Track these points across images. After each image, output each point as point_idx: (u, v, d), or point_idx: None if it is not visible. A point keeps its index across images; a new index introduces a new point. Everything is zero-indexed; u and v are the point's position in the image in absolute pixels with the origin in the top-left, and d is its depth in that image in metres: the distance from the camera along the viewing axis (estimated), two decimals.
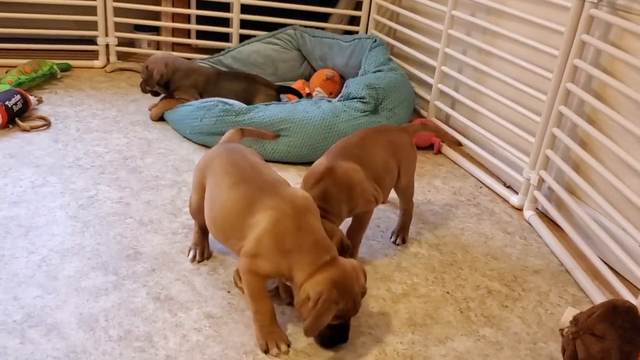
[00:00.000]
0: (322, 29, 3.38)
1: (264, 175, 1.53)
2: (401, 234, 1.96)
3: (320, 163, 1.74)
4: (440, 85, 2.75)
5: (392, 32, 3.30)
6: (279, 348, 1.43)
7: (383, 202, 1.89)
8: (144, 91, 2.74)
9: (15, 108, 2.47)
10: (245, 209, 1.44)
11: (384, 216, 2.10)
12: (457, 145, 2.28)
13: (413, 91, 2.83)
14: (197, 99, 2.64)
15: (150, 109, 2.76)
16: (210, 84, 2.69)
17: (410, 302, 1.67)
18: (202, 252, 1.75)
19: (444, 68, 2.71)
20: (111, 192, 2.06)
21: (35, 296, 1.52)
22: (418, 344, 1.51)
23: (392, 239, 1.95)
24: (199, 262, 1.73)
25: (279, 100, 2.72)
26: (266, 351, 1.42)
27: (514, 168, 2.32)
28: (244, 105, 2.48)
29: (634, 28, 1.70)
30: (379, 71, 2.74)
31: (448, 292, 1.73)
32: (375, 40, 3.00)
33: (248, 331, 1.49)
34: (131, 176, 2.18)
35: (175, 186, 2.14)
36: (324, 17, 3.49)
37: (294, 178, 2.30)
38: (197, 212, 1.68)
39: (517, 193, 2.28)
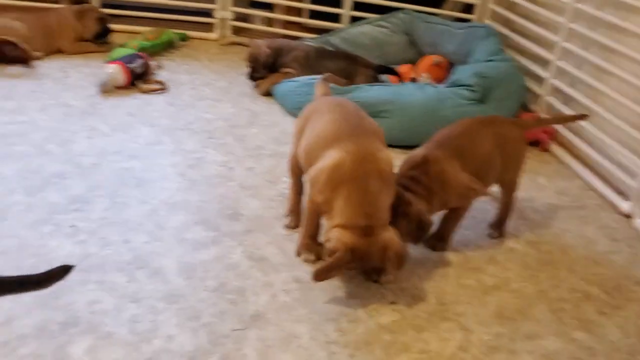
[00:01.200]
0: (435, 14, 3.32)
1: (364, 122, 1.61)
2: (498, 228, 1.91)
3: (418, 152, 1.73)
4: (554, 81, 2.63)
5: (508, 23, 3.18)
6: (309, 254, 1.63)
7: (483, 195, 1.85)
8: (254, 79, 2.83)
9: (138, 71, 2.64)
10: (329, 141, 1.53)
11: (482, 207, 2.05)
12: (582, 119, 2.08)
13: (524, 84, 2.73)
14: (301, 74, 2.71)
15: (257, 85, 2.85)
16: (310, 61, 2.76)
17: (500, 295, 1.63)
18: (298, 219, 1.79)
19: (561, 63, 2.59)
20: (217, 156, 2.16)
21: (144, 241, 1.64)
22: (504, 336, 1.48)
23: (489, 232, 1.91)
24: (293, 229, 1.78)
25: (377, 80, 2.73)
26: (299, 254, 1.64)
27: (628, 173, 2.18)
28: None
29: None
30: (490, 61, 2.66)
31: (542, 291, 1.67)
32: (490, 30, 2.92)
33: (334, 300, 1.52)
34: (236, 143, 2.28)
35: (276, 156, 2.21)
36: (438, 3, 3.43)
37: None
38: (296, 164, 1.73)
39: (627, 200, 2.15)
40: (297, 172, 1.75)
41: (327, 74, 1.95)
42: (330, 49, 3.00)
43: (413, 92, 2.43)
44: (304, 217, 1.66)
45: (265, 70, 2.80)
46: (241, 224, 1.78)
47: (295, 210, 1.81)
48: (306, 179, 1.62)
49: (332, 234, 1.46)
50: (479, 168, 1.74)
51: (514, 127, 1.85)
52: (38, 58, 2.79)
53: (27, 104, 2.36)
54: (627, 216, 2.11)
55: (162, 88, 2.68)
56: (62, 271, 0.99)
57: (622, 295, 1.69)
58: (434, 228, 1.82)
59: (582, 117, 2.07)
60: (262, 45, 2.79)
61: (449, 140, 1.75)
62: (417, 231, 1.60)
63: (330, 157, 1.50)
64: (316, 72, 2.69)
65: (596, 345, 1.49)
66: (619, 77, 2.23)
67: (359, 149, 1.50)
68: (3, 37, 2.65)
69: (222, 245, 1.67)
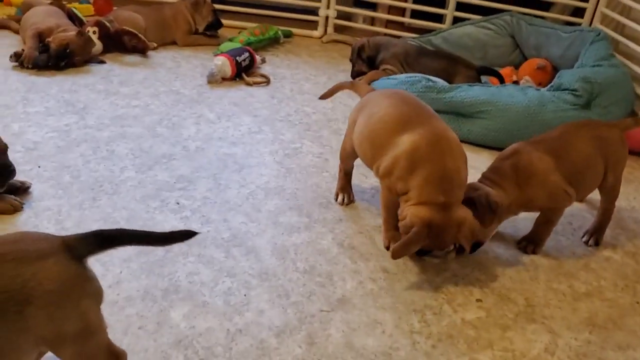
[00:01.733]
0: (542, 17, 3.23)
1: (423, 106, 1.67)
2: (595, 235, 1.84)
3: (510, 147, 1.73)
4: None
5: (619, 28, 3.04)
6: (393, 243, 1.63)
7: (580, 201, 1.80)
8: (356, 75, 2.90)
9: (244, 64, 2.78)
10: (398, 127, 1.59)
11: (578, 214, 1.99)
12: None
13: (634, 91, 2.60)
14: (400, 71, 2.74)
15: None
16: (410, 58, 2.78)
17: (592, 302, 1.58)
18: (349, 195, 1.90)
19: None
20: (313, 147, 2.24)
21: (241, 222, 1.74)
22: (594, 344, 1.43)
23: (585, 239, 1.85)
24: (346, 205, 1.87)
25: (478, 82, 2.69)
26: (387, 247, 1.67)
27: None
28: (446, 84, 2.50)
29: None
30: (597, 65, 2.56)
31: (638, 303, 1.60)
32: (599, 34, 2.80)
33: (419, 292, 1.54)
34: (332, 136, 2.34)
35: None
36: (545, 6, 3.33)
37: (485, 162, 2.26)
38: (350, 156, 1.82)
39: None
40: (349, 159, 1.85)
41: (370, 72, 1.98)
42: (431, 48, 3.00)
43: (514, 93, 2.39)
44: (382, 209, 1.69)
45: (365, 65, 2.86)
46: (333, 213, 1.84)
47: (346, 188, 1.90)
48: (375, 170, 1.66)
49: (408, 211, 1.52)
50: (577, 172, 1.69)
51: (613, 128, 1.78)
52: (153, 48, 3.01)
53: (142, 90, 2.55)
54: None
55: (265, 81, 2.80)
56: (185, 235, 1.10)
57: None
58: (526, 230, 1.80)
59: None
60: (363, 42, 2.87)
61: (546, 141, 1.72)
62: (487, 213, 1.59)
63: (406, 143, 1.55)
64: (416, 70, 2.72)
65: None
66: None
67: (431, 130, 1.56)
68: (124, 27, 2.87)
69: (313, 231, 1.74)
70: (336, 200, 1.90)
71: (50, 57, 2.57)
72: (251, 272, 1.54)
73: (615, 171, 1.77)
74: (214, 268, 1.54)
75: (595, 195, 1.85)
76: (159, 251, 1.56)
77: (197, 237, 1.61)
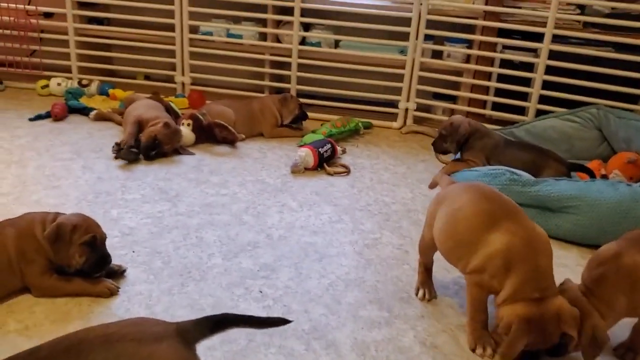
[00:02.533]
0: (631, 110, 3.16)
1: (506, 200, 1.65)
2: (631, 354, 1.65)
3: (609, 247, 1.63)
4: None
5: None
6: (484, 349, 1.60)
7: None
8: (438, 149, 2.89)
9: (325, 155, 2.87)
10: (485, 225, 1.57)
11: None
12: None
13: None
14: (484, 164, 2.71)
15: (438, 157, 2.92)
16: (499, 150, 2.73)
17: None
18: (430, 290, 1.87)
19: None
20: (393, 238, 2.24)
21: (321, 313, 1.74)
22: None
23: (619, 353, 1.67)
24: (428, 300, 1.84)
25: (568, 177, 2.62)
26: (473, 350, 1.61)
27: None
28: (532, 177, 2.46)
29: None
30: None
31: None
32: None
33: None
34: (412, 227, 2.33)
35: None
36: (634, 99, 3.26)
37: (575, 259, 2.18)
38: (430, 248, 1.81)
39: None
40: (429, 253, 1.84)
41: (451, 163, 1.95)
42: (519, 140, 2.94)
43: (604, 189, 2.31)
44: (469, 307, 1.64)
45: (455, 144, 2.79)
46: (414, 308, 1.81)
47: (426, 282, 1.88)
48: (462, 267, 1.64)
49: (503, 311, 1.50)
50: None
51: None
52: (242, 139, 3.17)
53: (230, 179, 2.68)
54: None
55: (346, 171, 2.87)
56: (281, 321, 1.27)
57: None
58: (623, 335, 1.68)
59: None
60: (465, 121, 2.80)
61: None
62: (590, 347, 1.49)
63: (499, 241, 1.54)
64: (502, 162, 2.69)
65: None
66: None
67: (521, 228, 1.56)
68: (216, 120, 3.07)
69: (394, 327, 1.70)
70: (417, 295, 1.87)
71: (140, 150, 2.77)
72: None
73: None
74: None
75: None
76: (241, 341, 1.58)
77: (278, 327, 1.64)
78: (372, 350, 1.60)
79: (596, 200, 2.26)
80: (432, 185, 2.01)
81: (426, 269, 1.88)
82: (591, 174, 2.65)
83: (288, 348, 1.57)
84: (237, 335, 1.59)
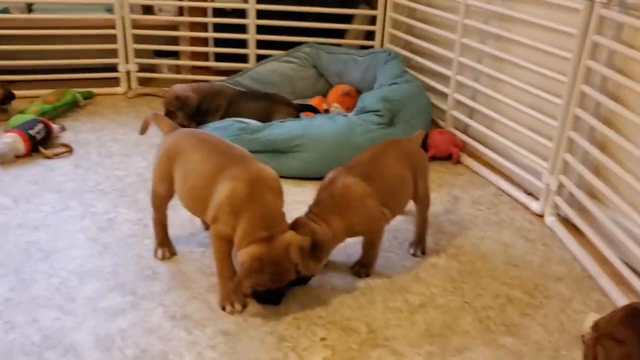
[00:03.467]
0: (339, 45, 3.40)
1: (234, 149, 1.68)
2: (420, 246, 1.93)
3: (327, 175, 1.77)
4: (456, 95, 2.74)
5: (407, 45, 3.29)
6: (233, 306, 1.60)
7: (399, 214, 1.88)
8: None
9: (38, 137, 2.54)
10: (214, 177, 1.58)
11: (402, 227, 2.08)
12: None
13: (429, 102, 2.81)
14: (222, 118, 2.68)
15: None
16: (233, 105, 2.72)
17: (427, 313, 1.64)
18: (170, 248, 1.86)
19: (459, 77, 2.70)
20: (130, 214, 2.10)
21: (54, 318, 1.55)
22: (436, 355, 1.48)
23: (411, 251, 1.93)
24: (168, 259, 1.82)
25: (299, 118, 2.74)
26: (223, 308, 1.60)
27: (534, 174, 2.28)
28: (259, 123, 2.51)
29: None
30: (394, 84, 2.74)
31: (467, 302, 1.69)
32: (390, 54, 3.01)
33: (263, 347, 1.48)
34: (150, 198, 2.21)
35: None
36: (340, 34, 3.51)
37: (310, 194, 2.29)
38: (164, 202, 1.79)
39: (537, 199, 2.24)
40: (163, 208, 1.82)
41: (153, 113, 1.90)
42: (248, 90, 2.94)
43: (323, 123, 2.45)
44: (215, 263, 1.62)
45: (188, 117, 2.67)
46: (160, 283, 1.72)
47: (165, 241, 1.86)
48: (206, 219, 1.64)
49: (239, 255, 1.53)
50: (390, 190, 1.76)
51: (411, 142, 1.91)
52: None
53: None
54: (539, 215, 2.20)
55: (67, 150, 2.59)
56: None
57: (541, 294, 1.75)
58: (358, 255, 1.83)
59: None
60: (188, 90, 2.67)
61: (358, 165, 1.78)
62: (316, 251, 1.61)
63: (224, 189, 1.55)
64: (237, 115, 2.68)
65: (523, 348, 1.52)
66: (512, 85, 2.34)
67: (246, 171, 1.58)
68: None
69: (140, 309, 1.60)
70: (156, 256, 1.82)
71: None
72: None
73: (423, 180, 1.88)
74: None
75: (413, 206, 1.94)
76: None
77: (3, 351, 1.42)
78: (117, 341, 1.48)
79: (319, 135, 2.39)
80: (143, 129, 1.94)
81: (162, 227, 1.84)
82: (315, 111, 2.80)
83: None
84: None
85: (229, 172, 1.58)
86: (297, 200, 2.19)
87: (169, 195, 1.77)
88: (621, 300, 1.67)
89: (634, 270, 1.77)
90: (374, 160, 1.80)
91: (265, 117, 2.67)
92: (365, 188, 1.71)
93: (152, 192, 1.80)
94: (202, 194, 1.61)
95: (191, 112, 2.69)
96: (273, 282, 1.54)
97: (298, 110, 2.77)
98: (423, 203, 1.91)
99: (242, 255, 1.51)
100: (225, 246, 1.60)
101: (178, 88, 2.73)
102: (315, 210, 1.70)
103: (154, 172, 1.77)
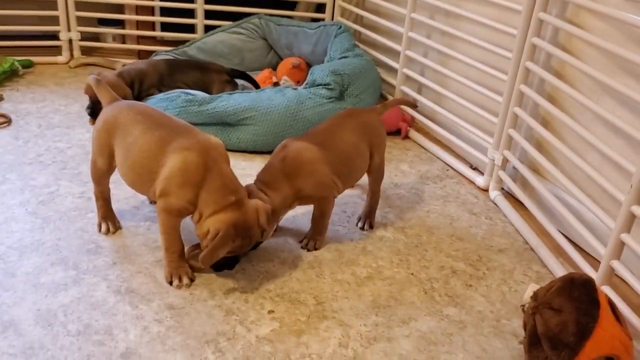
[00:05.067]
0: (289, 17, 3.35)
1: (175, 121, 1.64)
2: (368, 219, 1.95)
3: (281, 142, 1.77)
4: (405, 70, 2.75)
5: (358, 19, 3.29)
6: (180, 280, 1.59)
7: (351, 186, 1.88)
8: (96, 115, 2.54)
9: None
10: (160, 150, 1.54)
11: (350, 201, 2.10)
12: (413, 106, 2.19)
13: (379, 77, 2.82)
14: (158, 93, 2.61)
15: None
16: (165, 80, 2.65)
17: (374, 285, 1.67)
18: (114, 222, 1.81)
19: (409, 52, 2.71)
20: (73, 187, 2.03)
21: None
22: (381, 325, 1.51)
23: (359, 225, 1.95)
24: (113, 233, 1.78)
25: (235, 84, 2.72)
26: (170, 282, 1.59)
27: (479, 149, 2.33)
28: (207, 95, 2.46)
29: (590, 5, 1.71)
30: (344, 57, 2.73)
31: (412, 274, 1.73)
32: (341, 27, 2.99)
33: (210, 320, 1.47)
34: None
35: None
36: (291, 6, 3.46)
37: (259, 167, 2.27)
38: (104, 176, 1.73)
39: (482, 174, 2.29)
40: (104, 181, 1.75)
41: (94, 78, 1.79)
42: (181, 60, 2.86)
43: (272, 96, 2.43)
44: (162, 237, 1.59)
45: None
46: (104, 257, 1.68)
47: (108, 214, 1.80)
48: (150, 195, 1.60)
49: (207, 224, 1.49)
50: (344, 159, 1.76)
51: (372, 113, 1.90)
52: None
53: None
54: (484, 190, 2.26)
55: (6, 121, 2.47)
56: None
57: (484, 265, 1.80)
58: (306, 228, 1.84)
59: (414, 105, 2.17)
60: (118, 83, 2.48)
61: (312, 133, 1.79)
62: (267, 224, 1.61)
63: (174, 161, 1.51)
64: (173, 87, 2.62)
65: (466, 318, 1.57)
66: (460, 61, 2.37)
67: (194, 142, 1.54)
68: None
69: (83, 284, 1.56)
70: (100, 231, 1.77)
71: None
72: (12, 352, 1.32)
73: (380, 153, 1.89)
74: None
75: (362, 180, 1.96)
76: None
77: None
78: (60, 316, 1.44)
79: (268, 108, 2.37)
80: (87, 90, 1.89)
81: (105, 200, 1.79)
82: (255, 84, 2.77)
83: None
84: None
85: (176, 143, 1.54)
86: (247, 174, 2.18)
87: (109, 169, 1.71)
88: (560, 271, 1.74)
89: (572, 242, 1.84)
90: (329, 130, 1.79)
91: (203, 87, 2.64)
92: (317, 153, 1.71)
93: (91, 165, 1.73)
94: (146, 169, 1.56)
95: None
96: (242, 247, 1.53)
97: (231, 75, 2.74)
98: (377, 176, 1.92)
99: (215, 224, 1.48)
100: (173, 220, 1.57)
101: (106, 76, 2.49)
102: (262, 176, 1.70)
103: (92, 146, 1.70)
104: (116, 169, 1.69)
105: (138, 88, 2.59)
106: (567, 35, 1.93)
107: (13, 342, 1.35)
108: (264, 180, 1.69)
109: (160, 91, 2.60)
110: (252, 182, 1.71)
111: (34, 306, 1.46)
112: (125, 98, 2.45)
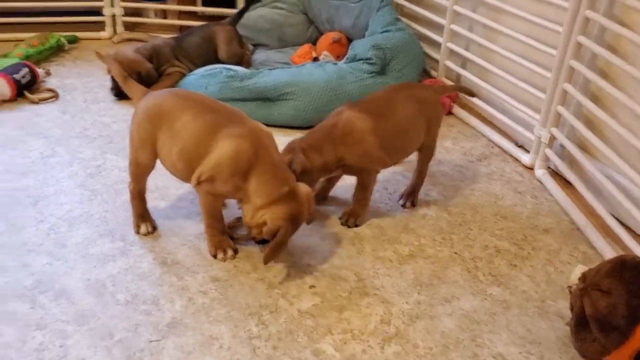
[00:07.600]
0: None
1: (225, 106, 1.61)
2: (411, 197, 1.93)
3: (336, 109, 1.77)
4: (449, 44, 2.69)
5: None
6: (225, 253, 1.61)
7: (399, 162, 1.86)
8: (121, 95, 2.52)
9: (24, 81, 2.48)
10: (210, 135, 1.52)
11: (393, 178, 2.08)
12: (472, 95, 2.17)
13: (422, 51, 2.77)
14: (181, 66, 2.65)
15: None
16: (176, 50, 2.67)
17: (417, 263, 1.66)
18: (152, 221, 1.72)
19: (453, 26, 2.65)
20: (118, 160, 2.07)
21: (45, 263, 1.54)
22: (424, 303, 1.50)
23: (401, 202, 1.93)
24: (150, 233, 1.69)
25: (237, 33, 2.81)
26: (214, 256, 1.61)
27: (525, 126, 2.27)
28: (247, 70, 2.46)
29: None
30: (386, 31, 2.68)
31: (456, 253, 1.71)
32: (383, 0, 2.93)
33: (253, 293, 1.49)
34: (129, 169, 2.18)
35: None
36: None
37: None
38: (146, 171, 1.65)
39: (528, 152, 2.23)
40: (144, 179, 1.68)
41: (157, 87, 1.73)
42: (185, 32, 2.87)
43: (313, 71, 2.41)
44: (205, 216, 1.60)
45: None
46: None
47: (145, 214, 1.72)
48: (195, 180, 1.54)
49: (264, 217, 1.50)
50: (400, 132, 1.74)
51: (430, 91, 1.86)
52: None
53: None
54: (529, 168, 2.20)
55: (53, 95, 2.53)
56: None
57: (529, 245, 1.77)
58: (347, 205, 1.83)
59: (471, 94, 2.14)
60: (139, 58, 2.52)
61: (369, 103, 1.77)
62: (303, 177, 1.63)
63: (225, 148, 1.49)
64: (184, 55, 2.69)
65: (510, 298, 1.54)
66: (507, 35, 2.30)
67: (246, 129, 1.53)
68: None
69: (131, 255, 1.60)
70: (138, 232, 1.69)
71: None
72: (65, 319, 1.37)
73: (434, 132, 1.86)
74: (19, 324, 1.34)
75: (407, 158, 1.92)
76: None
77: None
78: (109, 286, 1.48)
79: (308, 83, 2.35)
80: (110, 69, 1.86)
81: (142, 199, 1.72)
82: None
83: (9, 312, 1.37)
84: None
85: (228, 130, 1.51)
86: None
87: (152, 164, 1.64)
88: (608, 252, 1.69)
89: (621, 223, 1.79)
90: (385, 101, 1.76)
91: (210, 44, 2.72)
92: (369, 125, 1.69)
93: (131, 162, 1.64)
94: (194, 154, 1.52)
95: (147, 79, 2.51)
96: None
97: (236, 20, 2.88)
98: (426, 155, 1.89)
99: (273, 220, 1.48)
100: (217, 202, 1.58)
101: (125, 54, 2.51)
102: (310, 137, 1.69)
103: (132, 141, 1.62)
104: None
105: (156, 63, 2.61)
106: (622, 7, 1.84)
107: (66, 310, 1.39)
108: (309, 140, 1.68)
109: (174, 66, 2.64)
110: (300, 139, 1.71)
111: (84, 276, 1.51)
112: (147, 72, 2.51)
